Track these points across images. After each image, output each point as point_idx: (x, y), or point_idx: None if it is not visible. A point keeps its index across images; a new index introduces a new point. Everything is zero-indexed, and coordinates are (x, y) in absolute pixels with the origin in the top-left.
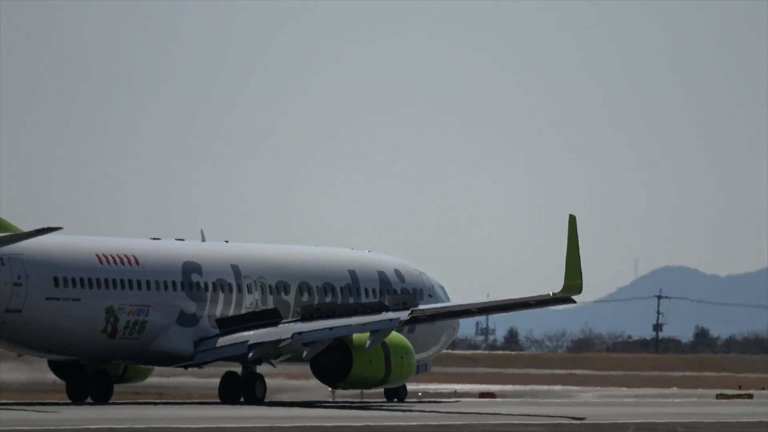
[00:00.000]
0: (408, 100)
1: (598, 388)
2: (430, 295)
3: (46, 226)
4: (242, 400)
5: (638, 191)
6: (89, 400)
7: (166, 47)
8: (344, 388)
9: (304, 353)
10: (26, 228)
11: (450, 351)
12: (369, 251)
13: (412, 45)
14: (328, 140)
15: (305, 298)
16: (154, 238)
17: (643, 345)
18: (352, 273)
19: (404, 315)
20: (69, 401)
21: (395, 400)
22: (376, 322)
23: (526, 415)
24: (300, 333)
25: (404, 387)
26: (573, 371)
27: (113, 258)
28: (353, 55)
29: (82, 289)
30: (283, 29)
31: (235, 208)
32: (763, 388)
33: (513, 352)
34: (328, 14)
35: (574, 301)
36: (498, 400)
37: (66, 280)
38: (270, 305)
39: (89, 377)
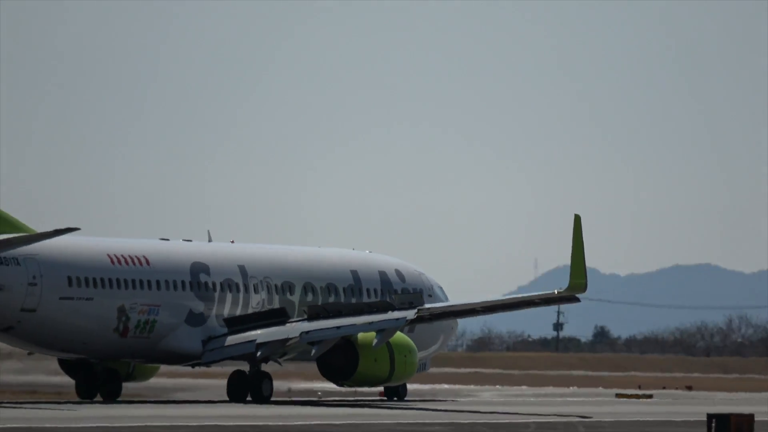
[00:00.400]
0: (412, 105)
1: (498, 387)
2: (430, 295)
3: (58, 227)
4: (249, 398)
5: (538, 193)
6: (98, 398)
7: (176, 49)
8: (350, 386)
9: (312, 352)
10: (38, 229)
11: None
12: (369, 252)
13: (416, 48)
14: (331, 143)
15: (309, 297)
16: (163, 239)
17: (543, 344)
18: (354, 273)
19: (411, 314)
20: (77, 400)
21: (395, 398)
22: (382, 321)
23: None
24: (307, 332)
25: (404, 386)
26: (475, 370)
27: (124, 258)
28: (360, 59)
29: (94, 289)
30: (292, 33)
31: (239, 209)
32: (664, 388)
33: None
34: (339, 20)
35: (578, 300)
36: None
37: (79, 280)
38: (276, 305)
39: (98, 376)
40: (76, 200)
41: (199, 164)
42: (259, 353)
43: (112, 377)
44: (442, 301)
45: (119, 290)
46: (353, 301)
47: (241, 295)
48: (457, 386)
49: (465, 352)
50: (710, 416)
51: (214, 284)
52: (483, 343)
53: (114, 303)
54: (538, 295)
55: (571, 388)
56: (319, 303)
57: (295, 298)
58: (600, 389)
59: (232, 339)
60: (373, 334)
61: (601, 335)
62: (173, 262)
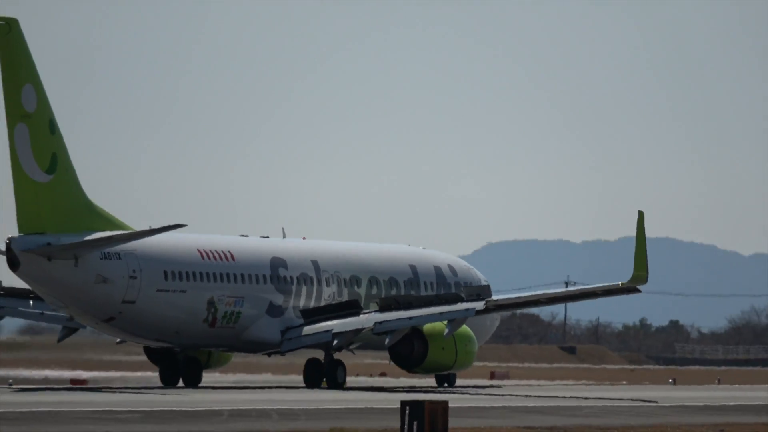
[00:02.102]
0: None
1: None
2: (461, 288)
3: (152, 225)
4: (324, 384)
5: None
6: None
7: (262, 54)
8: (420, 373)
9: (386, 341)
10: (136, 226)
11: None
12: (423, 248)
13: (442, 48)
14: (384, 145)
15: (374, 290)
16: (243, 235)
17: None
18: (413, 268)
19: (479, 305)
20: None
21: (445, 384)
22: (453, 311)
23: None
24: (381, 322)
25: (454, 374)
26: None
27: (213, 254)
28: (421, 59)
29: (187, 282)
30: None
31: (304, 207)
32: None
33: None
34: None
35: (640, 291)
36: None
37: (174, 274)
38: (345, 297)
39: (181, 364)
40: (160, 198)
41: (271, 165)
42: (335, 342)
43: (193, 365)
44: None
45: (209, 283)
46: (412, 293)
47: (314, 288)
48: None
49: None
50: (404, 403)
51: (291, 278)
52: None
53: (204, 295)
54: (601, 286)
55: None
56: (382, 295)
57: (362, 290)
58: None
59: (309, 329)
60: (440, 324)
61: None
62: (255, 258)
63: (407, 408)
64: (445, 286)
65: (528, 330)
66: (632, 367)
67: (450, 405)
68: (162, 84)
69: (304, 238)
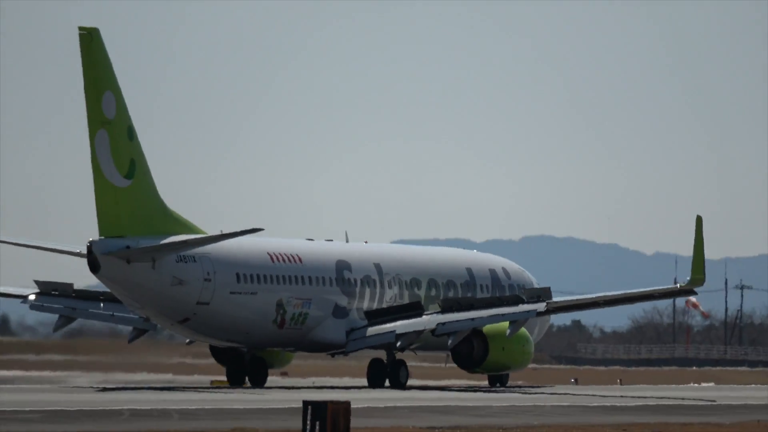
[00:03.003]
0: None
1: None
2: (520, 290)
3: (224, 228)
4: (387, 384)
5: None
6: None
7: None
8: (481, 373)
9: (449, 341)
10: (209, 230)
11: None
12: (475, 251)
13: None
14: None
15: (433, 292)
16: (309, 239)
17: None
18: (469, 271)
19: (541, 306)
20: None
21: (498, 384)
22: (515, 313)
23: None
24: (444, 323)
25: (507, 374)
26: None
27: (282, 257)
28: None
29: (258, 284)
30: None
31: (365, 211)
32: None
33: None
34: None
35: (696, 293)
36: None
37: (246, 276)
38: (405, 299)
39: (247, 363)
40: (228, 202)
41: (331, 172)
42: (399, 343)
43: (259, 365)
44: None
45: (278, 285)
46: (469, 295)
47: (377, 290)
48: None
49: (59, 340)
50: (306, 403)
51: (355, 280)
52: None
53: (274, 297)
54: (659, 289)
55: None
56: (441, 297)
57: (422, 292)
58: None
59: (372, 330)
60: (499, 325)
61: None
62: (321, 261)
63: (309, 408)
64: (499, 288)
65: None
66: (534, 366)
67: (356, 405)
68: (228, 97)
69: (366, 242)
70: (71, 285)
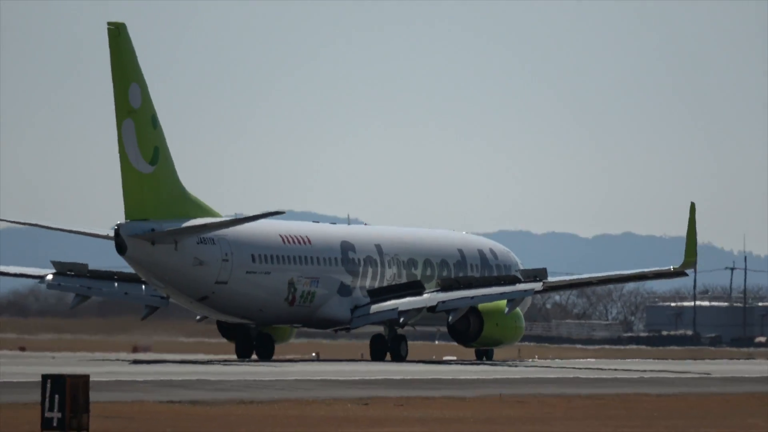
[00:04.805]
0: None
1: None
2: (516, 270)
3: (247, 212)
4: (389, 357)
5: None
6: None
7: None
8: (476, 347)
9: (450, 318)
10: (224, 213)
11: None
12: (465, 233)
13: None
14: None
15: (428, 272)
16: (315, 221)
17: None
18: (461, 251)
19: (538, 286)
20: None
21: (484, 358)
22: (513, 291)
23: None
24: (444, 301)
25: (492, 349)
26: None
27: (293, 238)
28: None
29: (271, 264)
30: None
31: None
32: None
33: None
34: None
35: (687, 275)
36: None
37: (260, 257)
38: (404, 278)
39: (254, 339)
40: (241, 186)
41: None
42: (402, 319)
43: (266, 340)
44: None
45: (290, 265)
46: (461, 274)
47: (378, 269)
48: None
49: None
50: (45, 377)
51: (359, 260)
52: None
53: (285, 276)
54: (653, 270)
55: None
56: (435, 276)
57: (418, 272)
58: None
59: (376, 307)
60: (493, 303)
61: None
62: (328, 242)
63: (48, 382)
64: (488, 268)
65: None
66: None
67: (99, 379)
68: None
69: (366, 224)
70: (86, 265)
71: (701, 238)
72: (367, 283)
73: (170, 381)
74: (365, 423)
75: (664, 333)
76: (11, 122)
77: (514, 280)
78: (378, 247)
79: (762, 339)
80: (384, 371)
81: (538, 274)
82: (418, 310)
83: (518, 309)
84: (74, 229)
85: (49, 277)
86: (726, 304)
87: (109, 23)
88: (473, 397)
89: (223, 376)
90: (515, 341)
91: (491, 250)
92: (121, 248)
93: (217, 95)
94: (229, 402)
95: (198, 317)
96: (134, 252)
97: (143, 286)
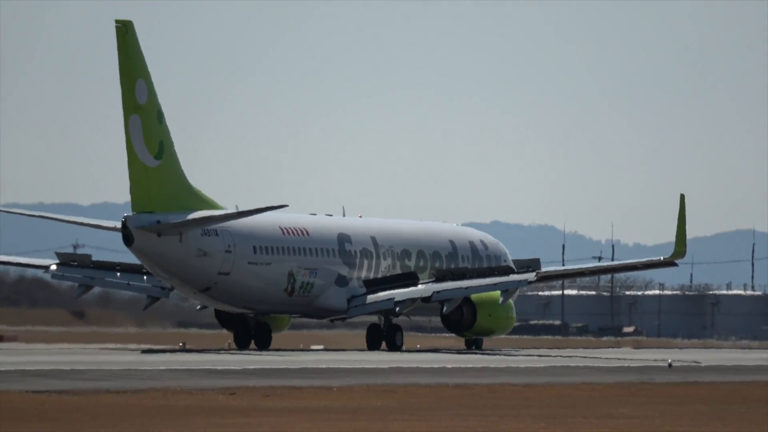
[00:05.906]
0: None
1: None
2: (505, 261)
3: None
4: (384, 347)
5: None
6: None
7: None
8: (469, 337)
9: (444, 308)
10: (225, 205)
11: None
12: (456, 224)
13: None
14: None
15: (421, 263)
16: (312, 214)
17: None
18: (452, 243)
19: (531, 276)
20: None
21: (473, 347)
22: (507, 282)
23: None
24: (439, 291)
25: (481, 339)
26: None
27: (292, 230)
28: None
29: (272, 255)
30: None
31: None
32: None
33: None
34: None
35: (677, 265)
36: None
37: (261, 248)
38: (398, 269)
39: (251, 328)
40: (242, 178)
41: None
42: (398, 309)
43: (263, 330)
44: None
45: (289, 256)
46: (452, 265)
47: (374, 261)
48: None
49: None
50: None
51: (355, 252)
52: None
53: (285, 267)
54: (643, 261)
55: None
56: (428, 267)
57: (411, 263)
58: None
59: (372, 297)
60: (487, 293)
61: None
62: (325, 234)
63: None
64: (478, 259)
65: (37, 294)
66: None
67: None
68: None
69: (360, 216)
70: (89, 256)
71: (568, 228)
72: (363, 274)
73: (41, 371)
74: (232, 413)
75: (532, 322)
76: (22, 117)
77: (507, 271)
78: (373, 239)
79: (630, 329)
80: (248, 361)
81: (532, 265)
82: (414, 300)
83: (510, 299)
84: (82, 221)
85: (53, 267)
86: (594, 293)
87: (116, 21)
88: (340, 386)
89: (96, 366)
90: (507, 331)
91: (481, 241)
92: (128, 239)
93: (220, 92)
94: (95, 392)
95: (198, 307)
96: (140, 243)
97: (145, 277)
